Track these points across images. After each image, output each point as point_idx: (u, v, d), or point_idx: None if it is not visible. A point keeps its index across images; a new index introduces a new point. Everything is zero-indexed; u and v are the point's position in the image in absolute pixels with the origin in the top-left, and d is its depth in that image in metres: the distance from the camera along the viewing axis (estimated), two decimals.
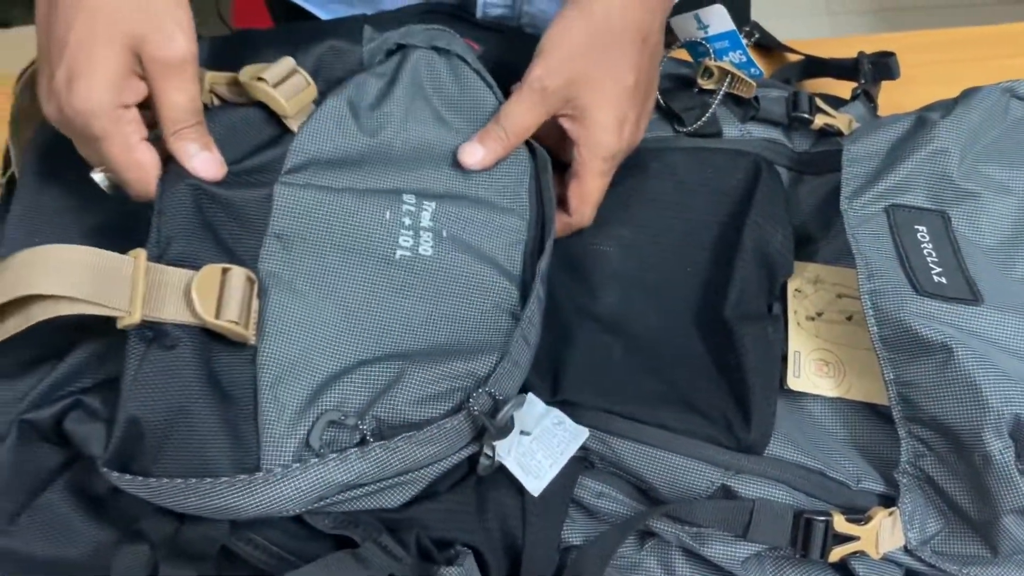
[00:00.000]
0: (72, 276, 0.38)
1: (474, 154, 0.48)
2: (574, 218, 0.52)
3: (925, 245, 0.48)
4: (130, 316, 0.39)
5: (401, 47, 0.51)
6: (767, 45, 0.68)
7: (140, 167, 0.43)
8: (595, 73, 0.48)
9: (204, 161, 0.44)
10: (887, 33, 0.73)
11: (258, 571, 0.42)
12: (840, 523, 0.44)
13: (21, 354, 0.44)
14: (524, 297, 0.47)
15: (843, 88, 0.64)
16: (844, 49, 0.65)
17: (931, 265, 0.47)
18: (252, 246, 0.44)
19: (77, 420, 0.43)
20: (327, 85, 0.51)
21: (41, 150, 0.49)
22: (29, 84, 0.52)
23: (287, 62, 0.48)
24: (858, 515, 0.45)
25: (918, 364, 0.45)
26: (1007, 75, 0.55)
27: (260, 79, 0.46)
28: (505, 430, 0.42)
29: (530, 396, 0.48)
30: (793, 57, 0.68)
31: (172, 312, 0.40)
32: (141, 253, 0.40)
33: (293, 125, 0.47)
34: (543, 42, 0.48)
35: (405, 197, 0.48)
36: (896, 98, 0.63)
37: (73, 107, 0.41)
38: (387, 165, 0.49)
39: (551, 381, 0.49)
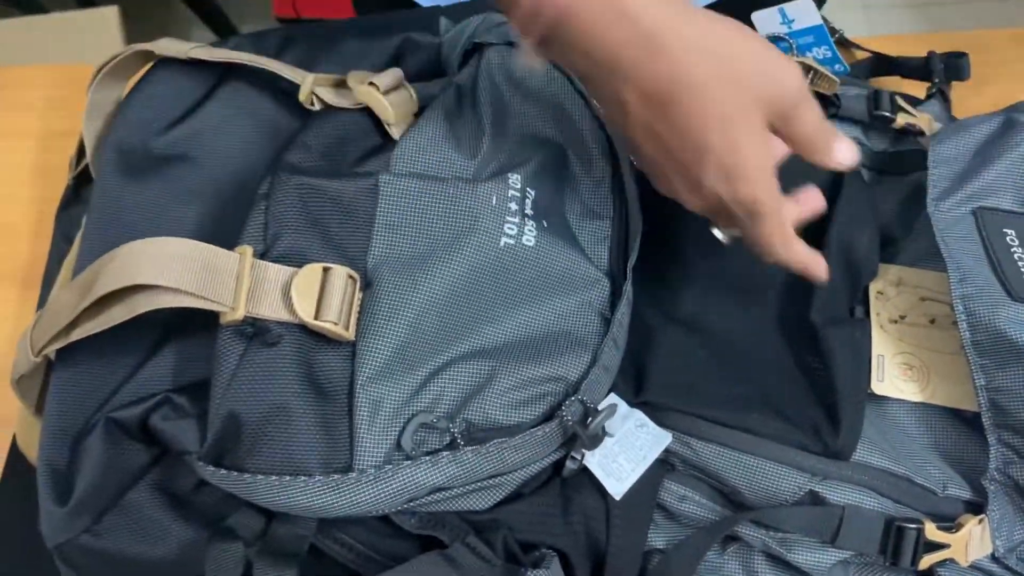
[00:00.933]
0: (178, 269, 0.38)
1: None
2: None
3: (1016, 249, 0.47)
4: (233, 312, 0.39)
5: (478, 46, 0.51)
6: (845, 44, 0.67)
7: (789, 241, 0.43)
8: None
9: (851, 147, 0.42)
10: (942, 32, 0.72)
11: (346, 569, 0.41)
12: (931, 531, 0.44)
13: (112, 350, 0.43)
14: (613, 296, 0.46)
15: (911, 88, 0.63)
16: (903, 47, 0.64)
17: (1023, 270, 0.46)
18: (360, 239, 0.43)
19: (164, 417, 0.43)
20: (408, 78, 0.50)
21: (119, 147, 0.49)
22: (104, 75, 0.51)
23: (396, 73, 0.48)
24: (948, 523, 0.44)
25: (1012, 370, 0.44)
26: None
27: (372, 83, 0.46)
28: (597, 439, 0.42)
29: (612, 396, 0.48)
30: (860, 55, 0.67)
31: (273, 310, 0.40)
32: (248, 249, 0.40)
33: (396, 133, 0.47)
34: None
35: (511, 179, 0.46)
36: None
37: (738, 199, 0.40)
38: (487, 161, 0.48)
39: (633, 382, 0.49)
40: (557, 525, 0.44)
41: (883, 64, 0.64)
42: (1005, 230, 0.48)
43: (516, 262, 0.44)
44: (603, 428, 0.42)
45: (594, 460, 0.45)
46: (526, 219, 0.45)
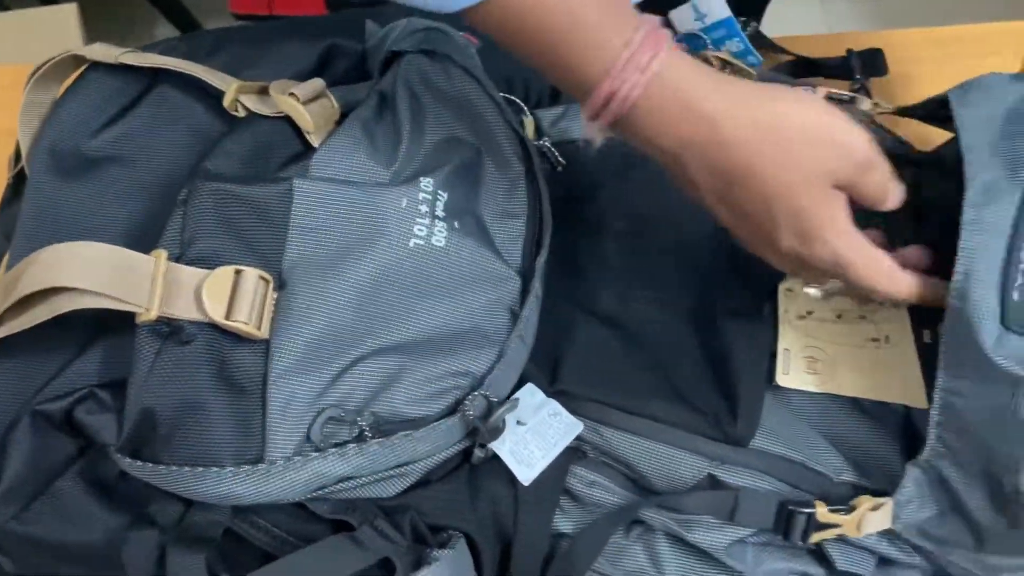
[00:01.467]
0: (96, 271, 0.41)
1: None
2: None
3: None
4: (147, 312, 0.42)
5: (396, 54, 0.53)
6: (761, 45, 0.69)
7: (890, 273, 0.45)
8: None
9: (901, 190, 0.45)
10: (877, 30, 0.74)
11: (261, 552, 0.44)
12: (823, 514, 0.46)
13: (40, 348, 0.45)
14: (524, 293, 0.48)
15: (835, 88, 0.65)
16: (833, 46, 0.66)
17: (1019, 277, 0.41)
18: (276, 242, 0.45)
19: (88, 411, 0.45)
20: (331, 81, 0.52)
21: (52, 149, 0.51)
22: (39, 77, 0.53)
23: (317, 83, 0.50)
24: (842, 506, 0.46)
25: (981, 386, 0.42)
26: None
27: (292, 94, 0.48)
28: (496, 432, 0.44)
29: (530, 386, 0.50)
30: (786, 58, 0.69)
31: (186, 310, 0.42)
32: (163, 253, 0.43)
33: (315, 140, 0.49)
34: None
35: (423, 183, 0.48)
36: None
37: (817, 258, 0.43)
38: (404, 167, 0.50)
39: (550, 372, 0.51)
40: (465, 509, 0.46)
41: (804, 66, 0.66)
42: None
43: (426, 262, 0.47)
44: (504, 421, 0.45)
45: (505, 448, 0.48)
46: (436, 220, 0.47)
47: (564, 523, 0.50)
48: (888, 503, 0.46)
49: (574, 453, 0.50)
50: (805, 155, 0.41)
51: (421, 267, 0.47)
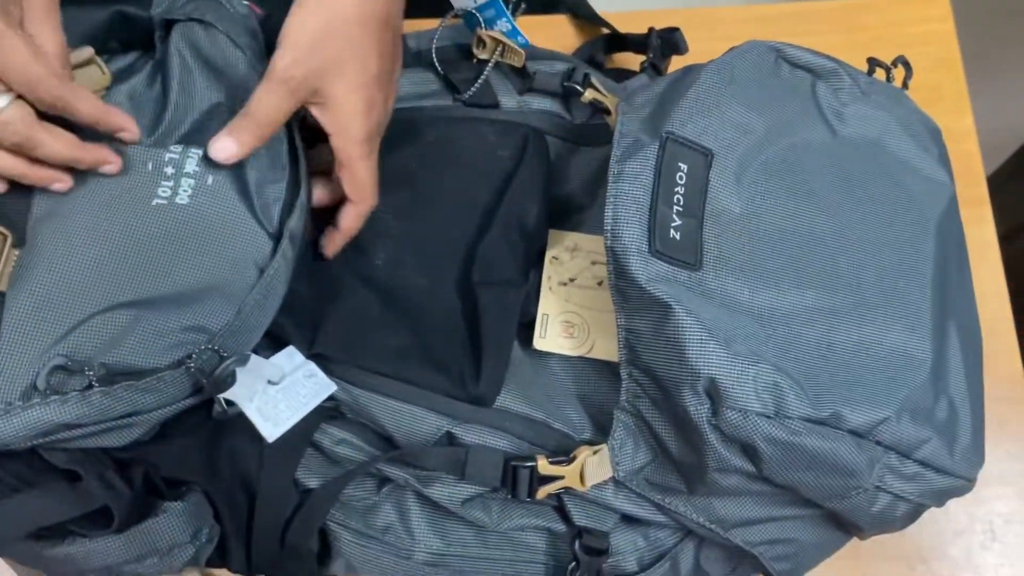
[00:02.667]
0: None
1: (225, 149, 0.49)
2: (361, 205, 0.53)
3: (678, 190, 0.48)
4: None
5: (170, 22, 0.54)
6: (586, 17, 0.71)
7: (46, 60, 0.44)
8: (339, 61, 0.49)
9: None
10: (702, 7, 0.76)
11: None
12: (544, 466, 0.48)
13: None
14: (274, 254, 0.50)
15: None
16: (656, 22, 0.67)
17: (674, 216, 0.48)
18: (22, 202, 0.47)
19: None
20: (120, 50, 0.54)
21: None
22: None
23: (87, 51, 0.51)
24: (562, 457, 0.48)
25: (641, 316, 0.47)
26: None
27: None
28: (222, 386, 0.46)
29: (290, 348, 0.52)
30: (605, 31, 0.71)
31: None
32: None
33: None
34: (284, 31, 0.49)
35: (171, 147, 0.50)
36: None
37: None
38: (167, 134, 0.52)
39: (310, 335, 0.53)
40: (201, 464, 0.48)
41: (613, 41, 0.68)
42: (680, 163, 0.49)
43: (170, 220, 0.48)
44: (232, 375, 0.46)
45: (252, 406, 0.50)
46: (184, 178, 0.49)
47: (313, 480, 0.52)
48: (603, 448, 0.48)
49: (328, 412, 0.52)
50: None
51: (167, 226, 0.48)
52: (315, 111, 0.51)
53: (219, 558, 0.50)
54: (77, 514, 0.43)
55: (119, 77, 0.54)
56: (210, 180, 0.50)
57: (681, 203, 0.48)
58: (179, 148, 0.50)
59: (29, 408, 0.43)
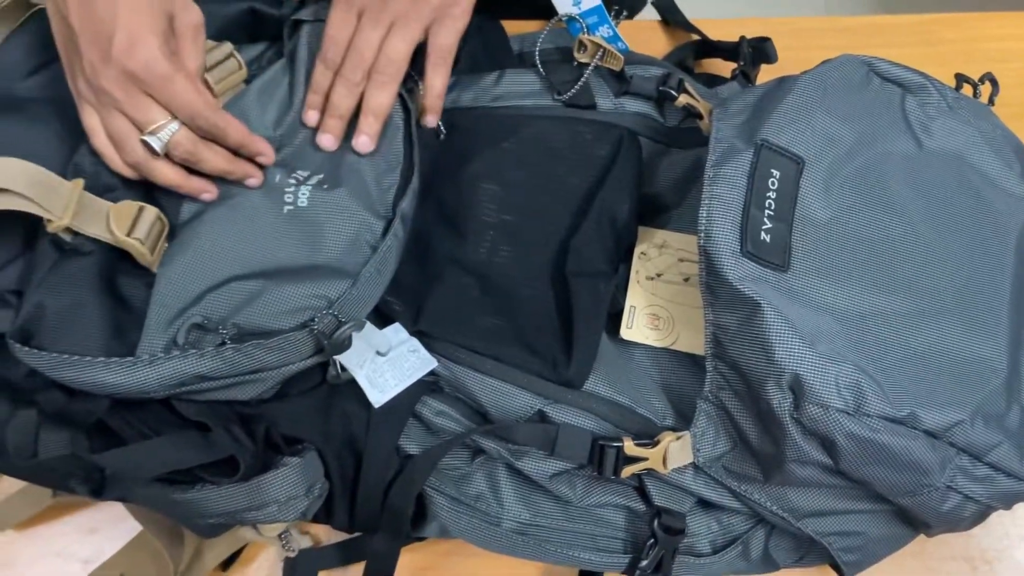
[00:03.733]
0: (23, 180, 0.48)
1: (365, 145, 0.56)
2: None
3: (770, 195, 0.51)
4: (59, 220, 0.49)
5: (297, 23, 0.58)
6: (677, 24, 0.74)
7: (205, 94, 0.52)
8: None
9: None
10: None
11: (125, 443, 0.50)
12: (630, 447, 0.51)
13: None
14: (385, 234, 0.54)
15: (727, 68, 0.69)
16: (748, 31, 0.70)
17: (765, 220, 0.51)
18: (174, 209, 0.54)
19: None
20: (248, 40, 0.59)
21: None
22: None
23: (226, 47, 0.56)
24: (647, 440, 0.52)
25: (730, 313, 0.50)
26: None
27: None
28: (340, 347, 0.50)
29: (396, 325, 0.56)
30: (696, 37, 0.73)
31: (93, 228, 0.50)
32: (80, 181, 0.50)
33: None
34: None
35: (299, 170, 0.56)
36: None
37: (138, 60, 0.49)
38: (291, 133, 0.57)
39: (414, 314, 0.57)
40: (317, 424, 0.53)
41: (704, 47, 0.70)
42: (772, 170, 0.52)
43: (294, 219, 0.54)
44: (349, 338, 0.50)
45: (362, 373, 0.54)
46: (303, 186, 0.55)
47: (413, 447, 0.56)
48: (686, 435, 0.51)
49: (429, 385, 0.56)
50: None
51: (290, 224, 0.54)
52: None
53: (324, 514, 0.54)
54: (206, 461, 0.48)
55: (249, 70, 0.58)
56: (326, 187, 0.55)
57: (772, 207, 0.51)
58: (305, 172, 0.56)
59: (170, 359, 0.48)
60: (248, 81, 0.58)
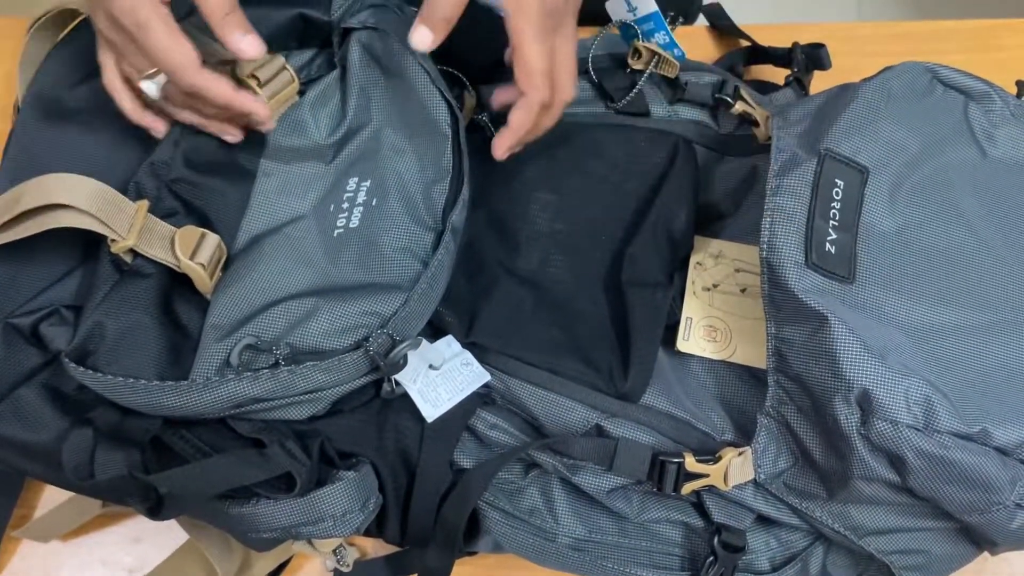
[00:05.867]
0: (91, 199, 0.48)
1: (423, 40, 0.50)
2: (530, 95, 0.51)
3: (835, 205, 0.50)
4: (124, 241, 0.48)
5: (347, 31, 0.58)
6: (726, 30, 0.73)
7: (183, 49, 0.49)
8: None
9: (250, 43, 0.50)
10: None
11: (185, 463, 0.50)
12: (691, 463, 0.50)
13: (25, 274, 0.52)
14: (436, 247, 0.53)
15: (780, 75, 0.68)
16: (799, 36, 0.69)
17: (830, 231, 0.49)
18: (230, 230, 0.54)
19: (50, 324, 0.52)
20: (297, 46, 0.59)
21: (39, 96, 0.57)
22: (36, 29, 0.60)
23: (278, 61, 0.56)
24: (708, 456, 0.51)
25: (794, 326, 0.48)
26: None
27: (253, 75, 0.55)
28: (396, 367, 0.49)
29: (448, 338, 0.55)
30: (745, 43, 0.72)
31: (156, 251, 0.50)
32: (145, 203, 0.50)
33: (270, 125, 0.56)
34: None
35: (348, 184, 0.55)
36: None
37: (120, 5, 0.48)
38: (341, 144, 0.57)
39: (467, 326, 0.56)
40: (371, 439, 0.52)
41: (755, 53, 0.69)
42: (837, 180, 0.50)
43: (345, 240, 0.53)
44: (405, 357, 0.50)
45: (415, 387, 0.53)
46: (355, 208, 0.54)
47: (466, 460, 0.55)
48: (748, 452, 0.50)
49: (482, 398, 0.55)
50: None
51: (341, 245, 0.53)
52: None
53: (375, 527, 0.54)
54: (264, 478, 0.47)
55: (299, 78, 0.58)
56: (374, 202, 0.54)
57: (837, 218, 0.50)
58: (355, 181, 0.55)
59: (225, 383, 0.47)
60: (301, 92, 0.58)
